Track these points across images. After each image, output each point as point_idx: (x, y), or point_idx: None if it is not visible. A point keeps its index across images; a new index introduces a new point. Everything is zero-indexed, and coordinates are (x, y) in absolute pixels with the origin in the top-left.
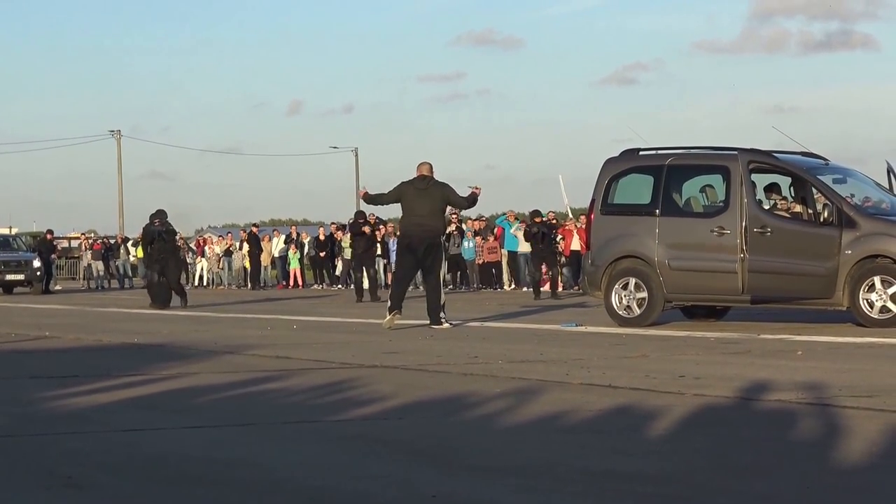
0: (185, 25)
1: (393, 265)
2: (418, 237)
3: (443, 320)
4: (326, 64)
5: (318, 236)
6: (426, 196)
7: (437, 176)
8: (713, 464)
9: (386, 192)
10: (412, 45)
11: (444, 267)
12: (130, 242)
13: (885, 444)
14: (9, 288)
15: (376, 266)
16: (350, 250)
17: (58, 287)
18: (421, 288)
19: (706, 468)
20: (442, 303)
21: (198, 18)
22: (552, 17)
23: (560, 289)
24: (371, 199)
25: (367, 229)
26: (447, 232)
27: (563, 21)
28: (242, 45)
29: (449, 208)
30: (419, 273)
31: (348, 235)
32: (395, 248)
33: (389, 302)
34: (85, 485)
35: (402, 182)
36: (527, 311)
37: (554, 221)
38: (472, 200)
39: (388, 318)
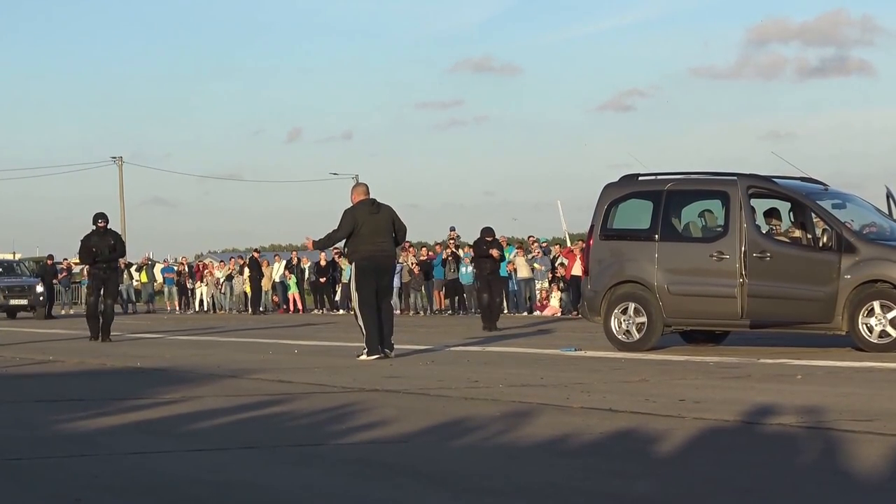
0: (185, 53)
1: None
2: (385, 262)
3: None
4: (325, 91)
5: (318, 262)
6: (379, 220)
7: (436, 202)
8: (715, 487)
9: (335, 229)
10: (410, 73)
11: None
12: (134, 268)
13: (885, 467)
14: (12, 313)
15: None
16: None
17: (62, 312)
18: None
19: (708, 491)
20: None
21: (198, 47)
22: (550, 45)
23: (498, 319)
24: (323, 244)
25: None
26: (444, 258)
27: (561, 48)
28: (242, 73)
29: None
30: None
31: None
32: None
33: (369, 344)
34: None
35: (349, 210)
36: (525, 335)
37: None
38: (404, 230)
39: (370, 359)
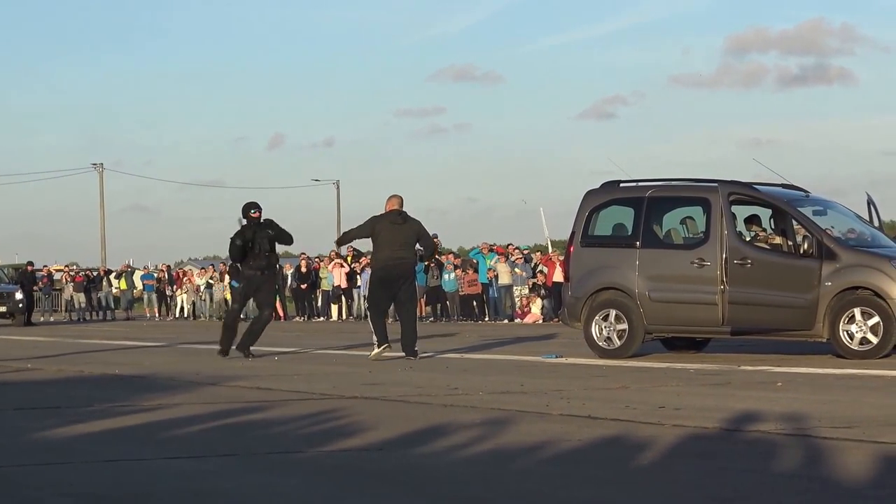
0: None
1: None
2: (397, 271)
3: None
4: (306, 98)
5: (300, 268)
6: (402, 230)
7: (419, 208)
8: (695, 494)
9: (355, 227)
10: (392, 80)
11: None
12: (113, 275)
13: (864, 474)
14: None
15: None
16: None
17: (41, 319)
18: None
19: (688, 499)
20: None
21: (179, 53)
22: (531, 53)
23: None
24: (344, 240)
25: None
26: (427, 265)
27: (542, 56)
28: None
29: None
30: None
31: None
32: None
33: (377, 336)
34: None
35: (374, 217)
36: (507, 343)
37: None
38: (433, 247)
39: (378, 350)
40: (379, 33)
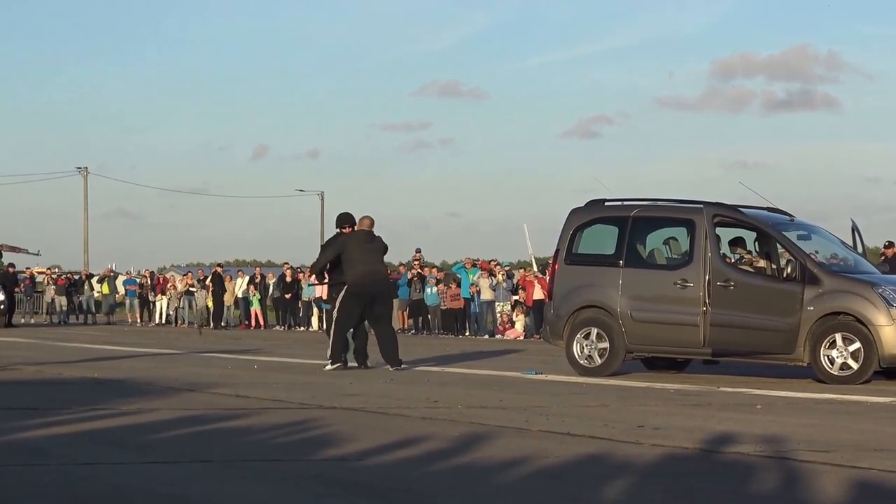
0: (152, 66)
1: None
2: (375, 287)
3: (401, 363)
4: (292, 109)
5: (284, 276)
6: (372, 247)
7: (402, 222)
8: None
9: (324, 253)
10: (377, 94)
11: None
12: (95, 279)
13: (840, 498)
14: None
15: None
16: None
17: (21, 320)
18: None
19: None
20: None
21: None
22: (517, 70)
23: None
24: (319, 268)
25: None
26: (409, 278)
27: (528, 74)
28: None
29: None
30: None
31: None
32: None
33: (333, 352)
34: None
35: (342, 235)
36: (487, 357)
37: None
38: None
39: (331, 368)
40: (366, 47)
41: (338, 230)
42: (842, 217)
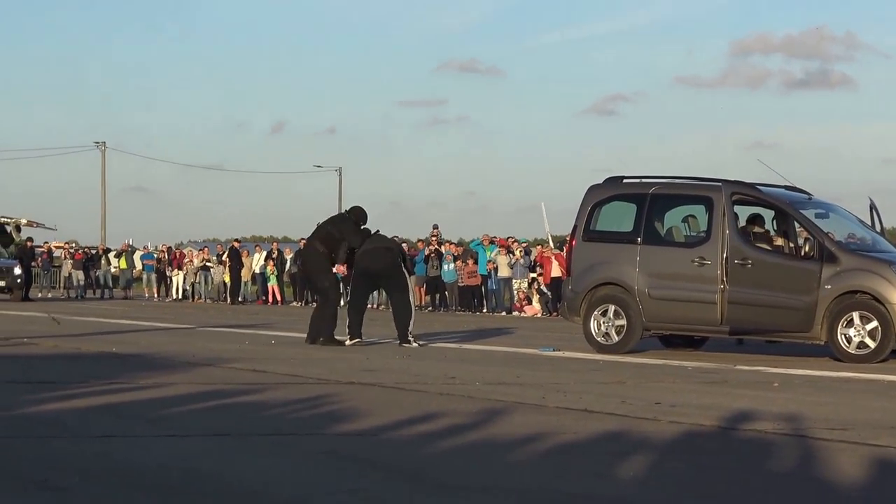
0: (171, 42)
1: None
2: (380, 262)
3: (411, 339)
4: (310, 86)
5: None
6: (377, 235)
7: (419, 200)
8: (689, 491)
9: (346, 241)
10: (396, 71)
11: (413, 287)
12: (112, 254)
13: (857, 476)
14: None
15: None
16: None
17: (38, 294)
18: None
19: (680, 495)
20: (411, 321)
21: (184, 36)
22: (535, 49)
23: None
24: (347, 257)
25: None
26: (427, 255)
27: (546, 52)
28: (228, 64)
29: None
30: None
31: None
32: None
33: (350, 330)
34: (60, 488)
35: (363, 227)
36: (504, 334)
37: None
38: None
39: (350, 343)
40: (384, 25)
41: (355, 223)
42: (856, 198)
